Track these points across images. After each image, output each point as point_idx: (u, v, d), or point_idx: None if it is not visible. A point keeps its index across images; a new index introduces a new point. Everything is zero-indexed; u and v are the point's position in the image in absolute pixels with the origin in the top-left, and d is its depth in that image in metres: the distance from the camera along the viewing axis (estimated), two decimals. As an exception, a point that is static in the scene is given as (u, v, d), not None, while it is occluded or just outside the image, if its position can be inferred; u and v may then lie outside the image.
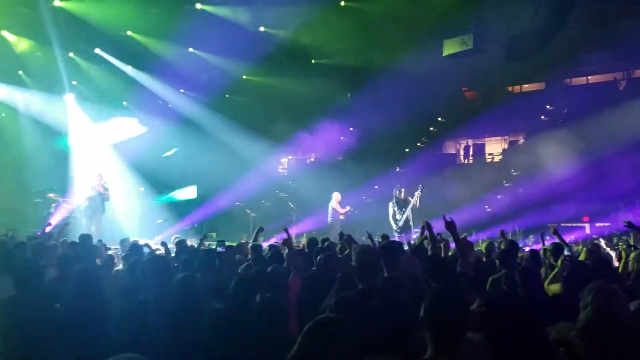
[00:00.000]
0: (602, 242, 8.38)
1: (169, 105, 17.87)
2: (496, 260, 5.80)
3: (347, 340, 2.47)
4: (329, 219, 14.01)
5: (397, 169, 21.15)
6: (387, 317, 3.33)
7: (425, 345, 2.56)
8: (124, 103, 17.85)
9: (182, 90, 17.81)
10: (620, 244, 8.41)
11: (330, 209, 14.03)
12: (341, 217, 13.93)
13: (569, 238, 12.81)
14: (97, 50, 15.29)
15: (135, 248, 7.15)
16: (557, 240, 6.72)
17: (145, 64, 15.75)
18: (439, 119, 23.23)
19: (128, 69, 16.01)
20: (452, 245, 7.08)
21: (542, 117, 21.83)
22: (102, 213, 13.77)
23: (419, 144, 22.91)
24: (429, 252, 5.95)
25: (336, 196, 14.10)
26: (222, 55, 15.87)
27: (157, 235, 13.97)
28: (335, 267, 5.34)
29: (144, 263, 4.41)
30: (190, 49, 15.78)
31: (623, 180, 15.83)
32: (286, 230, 6.91)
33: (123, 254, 7.33)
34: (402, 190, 12.82)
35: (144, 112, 17.75)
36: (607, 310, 2.57)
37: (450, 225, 4.95)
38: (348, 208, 14.11)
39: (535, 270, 4.52)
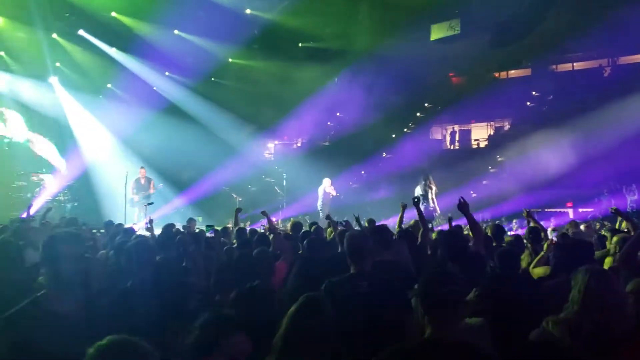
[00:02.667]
0: (582, 227, 8.45)
1: (154, 88, 17.66)
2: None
3: (332, 318, 2.48)
4: (319, 204, 14.02)
5: (384, 155, 21.17)
6: (376, 302, 3.35)
7: (417, 328, 2.57)
8: (108, 85, 17.62)
9: (167, 73, 17.61)
10: (604, 229, 8.49)
11: (321, 193, 14.02)
12: (331, 197, 14.02)
13: (551, 223, 12.97)
14: (81, 32, 15.03)
15: (126, 232, 7.08)
16: (542, 224, 6.80)
17: (130, 46, 15.53)
18: (426, 104, 23.22)
19: (112, 51, 15.77)
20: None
21: (528, 103, 21.92)
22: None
23: (406, 130, 22.90)
24: (420, 234, 6.00)
25: (326, 181, 14.11)
26: (207, 37, 15.70)
27: (143, 219, 13.88)
28: (321, 251, 5.34)
29: (130, 247, 4.34)
30: (176, 31, 15.59)
31: (606, 166, 15.98)
32: (265, 214, 6.91)
33: (108, 237, 7.24)
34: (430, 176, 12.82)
35: (128, 95, 17.52)
36: (597, 289, 2.58)
37: (463, 206, 4.95)
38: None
39: (514, 253, 4.55)
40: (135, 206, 13.87)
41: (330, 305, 2.68)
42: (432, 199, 12.57)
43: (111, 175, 15.80)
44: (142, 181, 14.02)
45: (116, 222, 9.68)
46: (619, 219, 7.27)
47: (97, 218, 13.21)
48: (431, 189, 12.60)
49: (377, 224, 6.71)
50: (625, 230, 6.39)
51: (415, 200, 6.27)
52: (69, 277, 2.69)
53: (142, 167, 14.27)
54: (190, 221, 9.78)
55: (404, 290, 3.46)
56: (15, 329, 2.42)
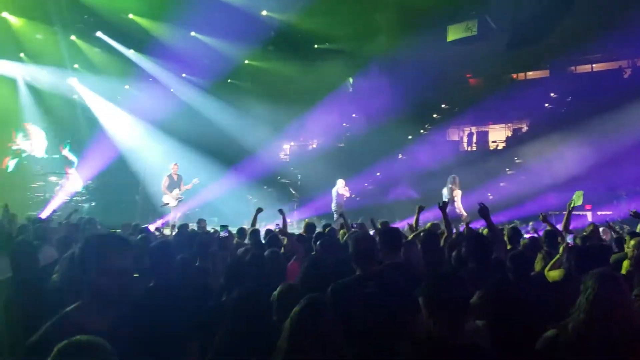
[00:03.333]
0: (600, 230, 8.33)
1: (171, 90, 17.80)
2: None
3: (334, 319, 2.49)
4: (333, 205, 13.98)
5: (400, 156, 21.09)
6: (383, 303, 3.33)
7: (423, 330, 2.56)
8: (126, 87, 17.80)
9: (184, 75, 17.73)
10: (626, 227, 8.36)
11: (334, 194, 14.01)
12: (345, 198, 13.97)
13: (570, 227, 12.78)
14: (99, 34, 15.21)
15: (143, 232, 7.14)
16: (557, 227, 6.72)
17: (147, 48, 15.67)
18: (443, 105, 23.09)
19: (130, 53, 15.92)
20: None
21: (546, 104, 21.71)
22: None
23: (422, 131, 22.80)
24: (443, 236, 5.98)
25: (340, 182, 14.09)
26: (224, 39, 15.78)
27: (158, 219, 13.99)
28: (335, 252, 5.33)
29: (151, 248, 4.34)
30: (193, 33, 15.69)
31: (625, 168, 15.76)
32: (282, 213, 6.92)
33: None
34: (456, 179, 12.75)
35: (145, 97, 17.69)
36: (605, 295, 2.55)
37: (483, 211, 4.95)
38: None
39: (527, 257, 4.50)
40: (174, 204, 13.78)
41: (333, 306, 2.69)
42: (456, 201, 12.48)
43: (129, 175, 15.97)
44: (175, 177, 13.98)
45: (134, 222, 9.77)
46: (640, 222, 7.16)
47: (115, 218, 13.33)
48: (454, 191, 12.52)
49: (389, 226, 6.69)
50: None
51: (441, 204, 6.23)
52: (111, 293, 2.28)
53: (174, 163, 14.18)
54: (201, 221, 9.85)
55: (410, 292, 3.44)
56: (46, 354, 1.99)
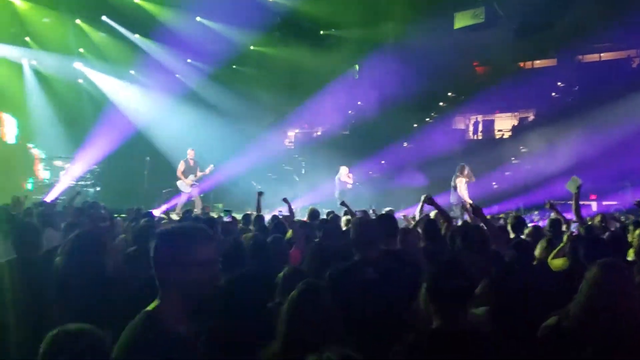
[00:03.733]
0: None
1: (177, 75, 17.76)
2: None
3: (331, 303, 2.49)
4: (336, 193, 13.99)
5: (405, 144, 21.04)
6: (381, 289, 3.34)
7: (421, 317, 2.56)
8: (131, 72, 17.78)
9: (189, 60, 17.68)
10: (631, 217, 8.33)
11: (337, 182, 14.01)
12: (348, 186, 13.95)
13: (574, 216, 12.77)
14: (105, 18, 15.16)
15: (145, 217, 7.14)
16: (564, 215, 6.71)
17: (152, 33, 15.62)
18: (449, 94, 22.99)
19: (135, 38, 15.88)
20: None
21: (553, 94, 21.57)
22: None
23: (428, 119, 22.72)
24: (441, 226, 5.96)
25: (343, 170, 14.08)
26: (229, 24, 15.71)
27: (163, 205, 14.01)
28: (336, 238, 5.34)
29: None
30: (198, 18, 15.63)
31: (632, 159, 15.69)
32: (286, 201, 6.93)
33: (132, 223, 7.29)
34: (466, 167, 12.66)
35: (150, 81, 17.66)
36: (608, 285, 2.53)
37: (477, 212, 4.95)
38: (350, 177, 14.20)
39: (527, 244, 4.50)
40: (188, 190, 13.75)
41: (331, 292, 2.69)
42: (459, 189, 12.45)
43: (134, 160, 15.97)
44: (191, 163, 13.94)
45: (137, 207, 9.78)
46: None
47: (120, 203, 13.36)
48: (457, 179, 12.47)
49: (386, 213, 6.68)
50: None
51: (425, 198, 6.20)
52: (201, 288, 2.07)
53: (191, 149, 14.15)
54: (205, 207, 9.87)
55: (408, 279, 3.44)
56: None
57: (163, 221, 8.38)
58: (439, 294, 2.46)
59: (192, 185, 13.56)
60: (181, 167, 13.72)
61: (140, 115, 16.92)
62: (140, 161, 15.46)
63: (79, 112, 16.76)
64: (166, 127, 16.95)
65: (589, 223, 7.46)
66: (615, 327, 2.44)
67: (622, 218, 10.68)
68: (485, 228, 5.06)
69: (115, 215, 9.57)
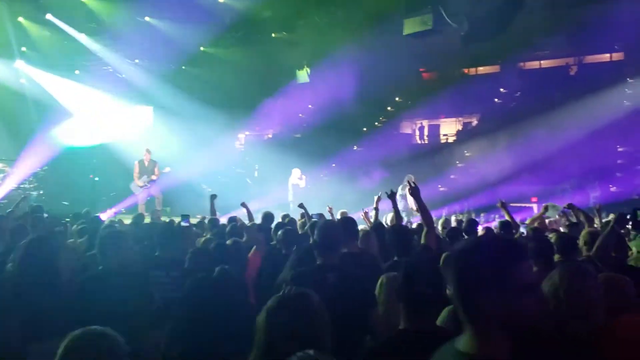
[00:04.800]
0: (547, 221, 8.67)
1: (123, 76, 17.32)
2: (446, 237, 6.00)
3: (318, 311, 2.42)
4: (290, 196, 13.96)
5: (355, 148, 21.29)
6: (343, 293, 3.34)
7: (382, 322, 2.60)
8: (76, 72, 17.22)
9: (136, 61, 17.28)
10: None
11: (290, 185, 14.00)
12: (301, 185, 13.95)
13: (518, 218, 13.26)
14: (49, 16, 14.63)
15: (94, 220, 6.97)
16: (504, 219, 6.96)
17: (99, 32, 15.18)
18: (397, 98, 23.40)
19: (81, 37, 15.40)
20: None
21: (496, 99, 22.32)
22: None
23: (376, 123, 23.06)
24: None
25: (295, 172, 14.09)
26: (179, 25, 15.45)
27: (109, 209, 13.67)
28: (295, 242, 5.36)
29: (103, 236, 4.28)
30: (147, 18, 15.30)
31: (570, 162, 16.43)
32: (245, 205, 6.91)
33: (79, 226, 7.10)
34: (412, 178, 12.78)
35: (96, 82, 17.15)
36: (575, 289, 2.57)
37: (415, 192, 4.87)
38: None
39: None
40: (138, 192, 13.39)
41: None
42: (408, 198, 12.68)
43: (81, 163, 15.48)
44: (146, 163, 13.58)
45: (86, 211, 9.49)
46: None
47: (65, 207, 12.94)
48: (407, 187, 12.68)
49: (348, 216, 6.76)
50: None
51: (389, 193, 6.29)
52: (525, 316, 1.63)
53: (147, 150, 13.80)
54: (155, 212, 9.74)
55: (370, 283, 3.48)
56: None
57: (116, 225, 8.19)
58: (407, 296, 2.48)
59: (142, 187, 13.26)
60: (136, 168, 13.44)
61: (87, 117, 16.42)
62: (86, 164, 15.02)
63: (22, 114, 16.08)
64: (114, 128, 16.52)
65: (535, 225, 7.75)
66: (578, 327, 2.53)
67: (564, 220, 11.18)
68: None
69: (63, 220, 9.25)
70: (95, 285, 3.77)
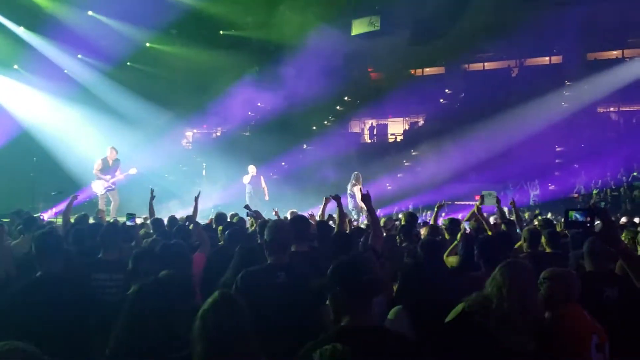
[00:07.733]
0: (492, 219, 8.92)
1: (65, 72, 16.73)
2: (398, 236, 6.11)
3: (247, 316, 2.43)
4: (247, 196, 13.65)
5: (305, 146, 21.35)
6: (292, 293, 3.36)
7: (330, 319, 2.63)
8: (15, 67, 16.49)
9: (79, 56, 16.73)
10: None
11: (246, 182, 13.71)
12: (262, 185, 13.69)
13: (460, 215, 13.64)
14: (-17, 8, 13.99)
15: (31, 220, 6.70)
16: (451, 216, 7.16)
17: (39, 26, 14.60)
18: (346, 98, 23.61)
19: (20, 30, 14.79)
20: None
21: (441, 100, 22.85)
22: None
23: (326, 122, 23.20)
24: (335, 227, 6.10)
25: (251, 169, 13.79)
26: (124, 20, 15.08)
27: (51, 209, 13.17)
28: (242, 242, 5.33)
29: (37, 237, 4.13)
30: (90, 12, 14.87)
31: (512, 162, 17.00)
32: (196, 200, 6.82)
33: (19, 226, 6.81)
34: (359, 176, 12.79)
35: (37, 77, 16.49)
36: (515, 285, 2.67)
37: (366, 198, 5.00)
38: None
39: (438, 243, 4.79)
40: (101, 192, 12.64)
41: (243, 295, 2.68)
42: (356, 196, 12.78)
43: (19, 161, 14.81)
44: (110, 162, 12.82)
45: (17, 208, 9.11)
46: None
47: (3, 207, 12.36)
48: (354, 187, 12.77)
49: (299, 215, 6.77)
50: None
51: (333, 195, 6.35)
52: None
53: (111, 147, 12.93)
54: (99, 211, 9.47)
55: (317, 282, 3.52)
56: None
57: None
58: (349, 288, 2.51)
59: (106, 189, 12.67)
60: (97, 165, 12.64)
61: (26, 114, 15.76)
62: (25, 162, 14.42)
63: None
64: (54, 126, 15.92)
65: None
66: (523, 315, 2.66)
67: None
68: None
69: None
70: (35, 292, 3.63)
